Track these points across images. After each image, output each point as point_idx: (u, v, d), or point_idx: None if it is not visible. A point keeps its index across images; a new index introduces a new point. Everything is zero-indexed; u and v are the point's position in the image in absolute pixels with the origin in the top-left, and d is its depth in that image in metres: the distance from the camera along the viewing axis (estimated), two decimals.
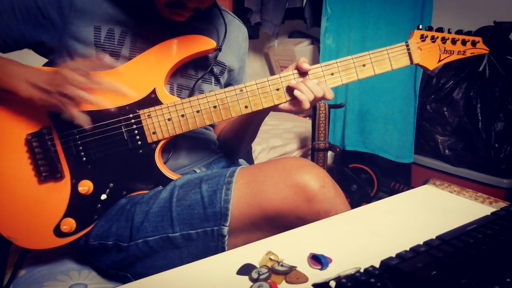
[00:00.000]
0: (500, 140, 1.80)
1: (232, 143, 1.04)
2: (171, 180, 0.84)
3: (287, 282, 0.51)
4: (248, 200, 0.74)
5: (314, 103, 0.83)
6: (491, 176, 1.84)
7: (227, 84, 1.03)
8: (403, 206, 0.73)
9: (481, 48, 0.88)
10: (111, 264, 0.83)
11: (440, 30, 0.86)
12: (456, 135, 1.95)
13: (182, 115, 0.82)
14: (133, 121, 0.82)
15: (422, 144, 2.06)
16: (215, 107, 0.83)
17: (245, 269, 0.54)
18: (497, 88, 1.83)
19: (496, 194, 1.73)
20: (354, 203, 2.03)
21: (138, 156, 0.83)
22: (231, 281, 0.53)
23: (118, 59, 0.85)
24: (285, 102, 0.84)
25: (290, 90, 0.82)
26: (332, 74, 0.84)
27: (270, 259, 0.55)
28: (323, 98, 0.82)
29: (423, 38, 0.86)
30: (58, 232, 0.80)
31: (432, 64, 0.87)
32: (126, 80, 0.83)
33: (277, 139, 2.03)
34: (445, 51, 0.87)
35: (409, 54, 0.86)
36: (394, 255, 0.47)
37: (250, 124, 0.95)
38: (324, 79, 0.83)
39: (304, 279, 0.52)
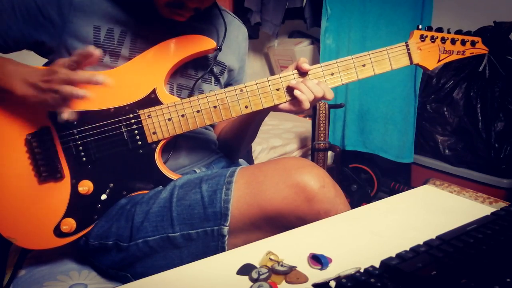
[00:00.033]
0: (500, 140, 1.80)
1: (232, 143, 1.04)
2: (171, 180, 0.84)
3: (287, 282, 0.51)
4: (248, 200, 0.74)
5: (314, 103, 0.83)
6: (491, 176, 1.84)
7: (227, 84, 1.03)
8: (403, 206, 0.73)
9: (480, 48, 0.88)
10: (111, 264, 0.83)
11: (439, 30, 0.87)
12: (456, 135, 1.95)
13: (182, 115, 0.82)
14: (133, 121, 0.82)
15: (422, 144, 2.06)
16: (215, 107, 0.83)
17: (245, 269, 0.54)
18: (497, 88, 1.83)
19: (496, 194, 1.73)
20: (354, 203, 2.03)
21: (138, 156, 0.83)
22: (231, 281, 0.53)
23: (118, 59, 0.85)
24: (285, 102, 0.84)
25: (290, 90, 0.82)
26: (332, 74, 0.84)
27: (270, 259, 0.55)
28: (323, 98, 0.82)
29: (422, 38, 0.86)
30: (58, 232, 0.80)
31: (431, 64, 0.87)
32: (126, 80, 0.83)
33: (277, 139, 2.03)
34: (445, 51, 0.87)
35: (409, 54, 0.86)
36: (394, 255, 0.47)
37: (250, 124, 0.95)
38: (324, 79, 0.83)
39: (304, 279, 0.52)
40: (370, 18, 1.95)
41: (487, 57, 1.87)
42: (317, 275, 0.52)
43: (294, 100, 0.82)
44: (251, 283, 0.51)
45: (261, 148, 1.90)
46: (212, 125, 1.06)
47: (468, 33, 0.88)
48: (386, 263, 0.46)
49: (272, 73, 2.88)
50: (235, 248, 0.62)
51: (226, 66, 0.98)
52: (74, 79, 0.71)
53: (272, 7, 2.31)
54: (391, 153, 2.05)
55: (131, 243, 0.78)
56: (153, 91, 0.83)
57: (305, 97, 0.80)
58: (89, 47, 0.71)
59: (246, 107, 0.83)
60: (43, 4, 0.81)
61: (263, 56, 2.91)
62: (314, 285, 0.49)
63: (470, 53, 0.88)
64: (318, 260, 0.55)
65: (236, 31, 1.02)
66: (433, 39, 0.86)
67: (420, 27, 0.87)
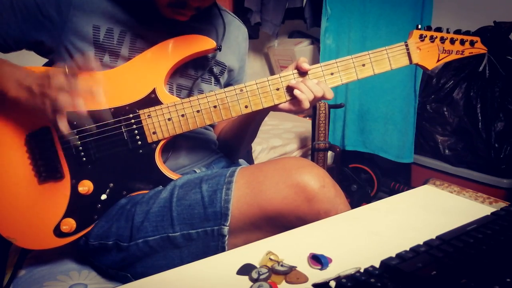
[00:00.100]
0: (500, 140, 1.80)
1: (232, 143, 1.04)
2: (171, 180, 0.84)
3: (287, 282, 0.51)
4: (248, 200, 0.74)
5: (314, 103, 0.83)
6: (491, 176, 1.84)
7: (227, 84, 1.03)
8: (403, 206, 0.73)
9: (479, 48, 0.88)
10: (111, 264, 0.83)
11: (438, 29, 0.87)
12: (456, 135, 1.95)
13: (182, 115, 0.82)
14: (133, 121, 0.82)
15: (422, 144, 2.06)
16: (215, 107, 0.83)
17: (245, 269, 0.54)
18: (497, 88, 1.83)
19: (496, 194, 1.73)
20: (354, 203, 2.03)
21: (138, 156, 0.83)
22: (231, 281, 0.53)
23: (118, 59, 0.85)
24: (285, 102, 0.84)
25: (290, 89, 0.82)
26: (331, 73, 0.84)
27: (270, 259, 0.55)
28: (323, 97, 0.82)
29: (422, 38, 0.86)
30: (58, 232, 0.80)
31: (431, 63, 0.87)
32: (125, 80, 0.83)
33: (277, 139, 2.03)
34: (444, 51, 0.87)
35: (408, 54, 0.86)
36: (394, 255, 0.47)
37: (250, 124, 0.95)
38: (323, 79, 0.83)
39: (304, 279, 0.52)
40: (370, 18, 1.95)
41: (487, 57, 1.86)
42: (317, 275, 0.52)
43: (294, 100, 0.82)
44: (251, 283, 0.51)
45: (261, 148, 1.90)
46: (212, 125, 1.06)
47: (467, 32, 0.88)
48: (386, 263, 0.46)
49: (272, 73, 2.88)
50: (235, 248, 0.62)
51: (226, 66, 0.98)
52: (70, 88, 0.70)
53: (272, 7, 2.31)
54: (391, 153, 2.05)
55: (131, 243, 0.78)
56: (153, 91, 0.83)
57: (305, 96, 0.80)
58: (88, 55, 0.71)
59: (246, 107, 0.83)
60: (43, 3, 0.81)
61: (263, 56, 2.91)
62: (314, 285, 0.49)
63: (469, 53, 0.88)
64: (318, 260, 0.55)
65: (236, 31, 1.02)
66: (432, 38, 0.86)
67: (419, 26, 0.87)
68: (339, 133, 2.14)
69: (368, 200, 2.08)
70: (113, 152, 0.82)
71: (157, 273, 0.55)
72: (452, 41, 0.87)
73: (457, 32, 0.87)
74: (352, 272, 0.47)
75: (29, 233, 0.81)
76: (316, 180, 0.73)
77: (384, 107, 2.01)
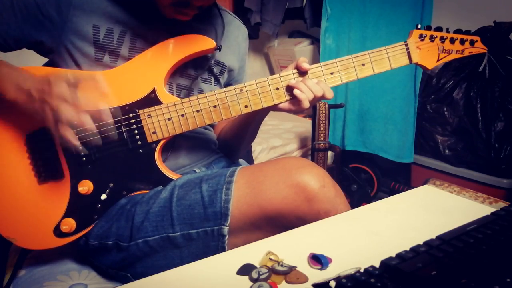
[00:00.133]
0: (500, 140, 1.80)
1: (232, 143, 1.04)
2: (171, 180, 0.84)
3: (287, 282, 0.51)
4: (248, 200, 0.74)
5: (314, 102, 0.83)
6: (491, 176, 1.84)
7: (227, 84, 1.03)
8: (403, 206, 0.73)
9: (479, 47, 0.88)
10: (111, 264, 0.83)
11: (438, 29, 0.87)
12: (456, 135, 1.95)
13: (182, 115, 0.82)
14: (133, 121, 0.82)
15: (422, 144, 2.06)
16: (215, 106, 0.83)
17: (245, 269, 0.54)
18: (497, 88, 1.83)
19: (496, 194, 1.73)
20: (354, 203, 2.03)
21: (138, 156, 0.83)
22: (231, 281, 0.52)
23: (117, 59, 0.85)
24: (284, 102, 0.84)
25: (289, 89, 0.82)
26: (331, 73, 0.84)
27: (270, 259, 0.55)
28: (322, 97, 0.82)
29: (421, 37, 0.86)
30: (58, 232, 0.80)
31: (431, 63, 0.87)
32: (125, 79, 0.83)
33: (277, 139, 2.03)
34: (444, 50, 0.87)
35: (408, 53, 0.86)
36: (394, 255, 0.47)
37: (250, 123, 0.95)
38: (323, 79, 0.83)
39: (304, 279, 0.52)
40: (370, 18, 1.95)
41: (487, 57, 1.87)
42: (317, 275, 0.52)
43: (294, 100, 0.82)
44: (251, 283, 0.51)
45: (261, 148, 1.90)
46: (212, 125, 1.06)
47: (467, 32, 0.88)
48: (386, 263, 0.46)
49: (272, 73, 2.89)
50: (235, 248, 0.62)
51: (226, 66, 0.98)
52: (73, 100, 0.69)
53: (272, 7, 2.31)
54: (391, 153, 2.05)
55: (131, 243, 0.78)
56: (153, 91, 0.83)
57: (305, 96, 0.80)
58: (97, 76, 0.71)
59: (246, 106, 0.83)
60: (43, 3, 0.81)
61: (263, 56, 2.91)
62: (314, 285, 0.48)
63: (469, 52, 0.88)
64: (318, 260, 0.55)
65: (236, 31, 1.02)
66: (432, 38, 0.86)
67: (419, 26, 0.87)
68: (339, 133, 2.14)
69: (368, 200, 2.08)
70: (113, 152, 0.82)
71: (157, 273, 0.55)
72: (452, 41, 0.87)
73: (457, 31, 0.87)
74: (352, 272, 0.47)
75: (29, 233, 0.81)
76: (316, 180, 0.73)
77: (384, 107, 2.01)
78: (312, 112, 1.91)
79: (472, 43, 0.87)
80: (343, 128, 2.12)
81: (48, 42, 0.84)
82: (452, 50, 0.87)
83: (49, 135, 0.81)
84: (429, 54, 0.86)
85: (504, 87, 1.82)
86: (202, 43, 0.85)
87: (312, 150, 1.94)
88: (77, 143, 0.72)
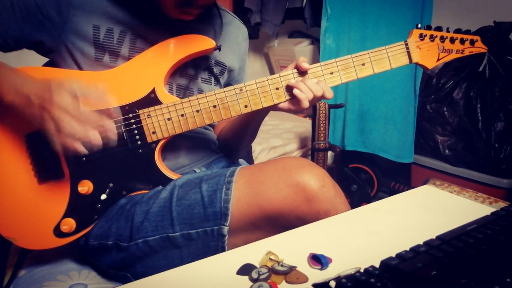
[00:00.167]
0: (500, 140, 1.80)
1: (232, 143, 1.04)
2: (171, 180, 0.84)
3: (287, 282, 0.51)
4: (248, 200, 0.74)
5: (314, 102, 0.83)
6: (491, 176, 1.84)
7: (227, 84, 1.03)
8: (403, 206, 0.73)
9: (479, 47, 0.88)
10: (111, 264, 0.83)
11: (438, 29, 0.86)
12: (456, 135, 1.95)
13: (182, 115, 0.82)
14: (132, 121, 0.82)
15: (422, 144, 2.06)
16: (214, 106, 0.82)
17: (245, 269, 0.54)
18: (497, 88, 1.82)
19: (496, 194, 1.73)
20: (354, 203, 2.03)
21: (138, 156, 0.83)
22: (231, 281, 0.52)
23: (117, 59, 0.85)
24: (284, 101, 0.84)
25: (289, 89, 0.82)
26: (331, 73, 0.84)
27: (270, 259, 0.55)
28: (322, 97, 0.82)
29: (422, 37, 0.86)
30: (58, 232, 0.80)
31: (431, 63, 0.87)
32: (125, 79, 0.83)
33: (277, 139, 2.03)
34: (444, 50, 0.87)
35: (408, 53, 0.85)
36: (394, 255, 0.47)
37: (250, 123, 0.95)
38: (323, 78, 0.83)
39: (304, 279, 0.52)
40: (370, 18, 1.95)
41: (487, 57, 1.86)
42: (317, 275, 0.52)
43: (294, 99, 0.82)
44: (251, 283, 0.51)
45: (261, 148, 1.90)
46: (212, 125, 1.06)
47: (467, 32, 0.88)
48: (386, 263, 0.46)
49: (272, 73, 2.89)
50: (235, 248, 0.62)
51: (226, 66, 0.98)
52: (78, 115, 0.69)
53: (272, 7, 2.31)
54: (391, 153, 2.05)
55: (131, 243, 0.78)
56: (153, 91, 0.83)
57: (305, 96, 0.80)
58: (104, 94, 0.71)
59: (246, 106, 0.83)
60: (43, 3, 0.81)
61: (263, 56, 2.91)
62: (314, 285, 0.48)
63: (469, 52, 0.88)
64: (318, 260, 0.55)
65: (236, 31, 1.02)
66: (432, 38, 0.86)
67: (419, 26, 0.87)
68: (339, 133, 2.14)
69: (368, 200, 2.08)
70: (113, 152, 0.82)
71: (157, 273, 0.55)
72: (452, 40, 0.87)
73: (457, 31, 0.87)
74: (352, 272, 0.47)
75: (29, 233, 0.81)
76: (316, 180, 0.73)
77: (384, 107, 2.01)
78: (312, 112, 1.91)
79: (472, 42, 0.87)
80: (343, 128, 2.12)
81: (48, 42, 0.84)
82: (452, 50, 0.87)
83: None
84: (429, 54, 0.86)
85: (504, 87, 1.82)
86: (202, 43, 0.85)
87: (312, 150, 1.94)
88: (85, 151, 0.72)
